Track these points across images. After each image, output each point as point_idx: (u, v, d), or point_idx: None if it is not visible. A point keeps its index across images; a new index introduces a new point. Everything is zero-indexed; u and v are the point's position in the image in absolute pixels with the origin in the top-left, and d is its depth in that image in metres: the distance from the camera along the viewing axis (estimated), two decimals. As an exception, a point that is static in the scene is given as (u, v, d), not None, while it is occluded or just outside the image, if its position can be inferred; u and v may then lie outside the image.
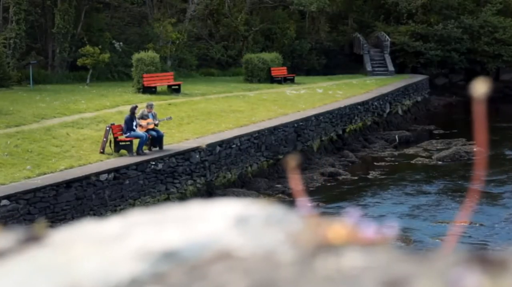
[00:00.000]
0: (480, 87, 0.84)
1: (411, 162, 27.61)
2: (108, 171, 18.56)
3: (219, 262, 0.61)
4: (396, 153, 29.44)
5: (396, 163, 27.50)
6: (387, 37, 49.01)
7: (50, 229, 0.78)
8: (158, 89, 32.21)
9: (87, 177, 17.86)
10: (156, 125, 21.47)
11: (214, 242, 0.65)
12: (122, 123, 21.08)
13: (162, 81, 32.85)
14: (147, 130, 21.09)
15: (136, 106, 21.62)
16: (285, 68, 40.99)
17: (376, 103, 35.23)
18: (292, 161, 0.90)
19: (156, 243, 0.64)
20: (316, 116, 28.84)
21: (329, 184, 24.01)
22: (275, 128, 26.00)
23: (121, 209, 18.44)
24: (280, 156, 25.81)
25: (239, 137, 23.94)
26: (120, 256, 0.63)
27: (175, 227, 0.68)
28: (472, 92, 0.83)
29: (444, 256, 0.60)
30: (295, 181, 0.85)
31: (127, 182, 19.01)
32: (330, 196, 22.35)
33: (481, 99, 0.81)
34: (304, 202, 0.80)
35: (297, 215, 0.74)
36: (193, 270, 0.60)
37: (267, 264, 0.60)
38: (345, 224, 0.71)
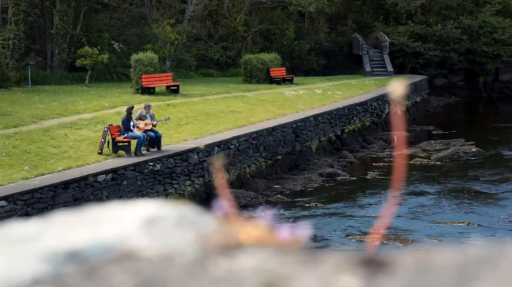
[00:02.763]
0: (396, 88, 0.83)
1: (410, 162, 27.60)
2: (106, 172, 18.56)
3: (117, 263, 0.61)
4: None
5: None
6: (386, 37, 49.01)
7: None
8: (157, 89, 32.22)
9: (85, 178, 17.86)
10: (154, 125, 21.47)
11: (119, 243, 0.65)
12: (120, 124, 21.08)
13: (160, 81, 32.86)
14: (145, 131, 21.09)
15: (133, 107, 21.61)
16: (284, 68, 41.00)
17: (375, 104, 35.24)
18: (216, 162, 0.90)
19: (62, 244, 0.64)
20: (315, 116, 28.84)
21: (327, 184, 24.00)
22: (274, 128, 25.99)
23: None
24: (279, 157, 25.82)
25: (237, 137, 23.95)
26: (26, 257, 0.63)
27: (85, 228, 0.68)
28: (390, 94, 0.83)
29: (331, 258, 0.61)
30: (220, 181, 0.85)
31: (125, 183, 19.01)
32: (329, 196, 22.35)
33: (399, 101, 0.81)
34: (224, 202, 0.80)
35: (211, 216, 0.74)
36: (90, 271, 0.60)
37: (163, 264, 0.61)
38: (258, 225, 0.71)
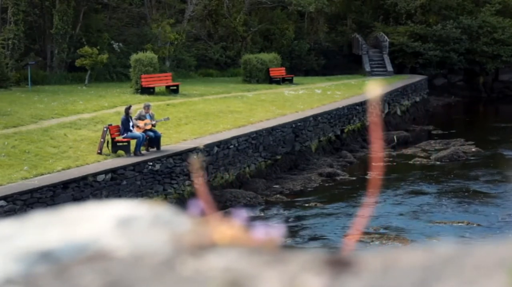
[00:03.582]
0: (373, 89, 0.82)
1: (409, 162, 27.62)
2: (106, 172, 18.56)
3: (88, 263, 0.61)
4: (394, 153, 29.43)
5: (395, 163, 27.49)
6: (386, 37, 49.00)
7: None
8: (156, 89, 32.22)
9: (84, 177, 17.86)
10: (153, 125, 21.48)
11: (92, 243, 0.65)
12: (120, 124, 21.08)
13: (160, 81, 32.87)
14: (145, 131, 21.09)
15: (130, 106, 21.61)
16: (284, 68, 40.99)
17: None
18: (195, 161, 0.91)
19: (36, 244, 0.64)
20: (315, 116, 28.83)
21: (327, 184, 24.00)
22: (273, 128, 26.00)
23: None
24: (278, 157, 25.82)
25: (237, 137, 23.95)
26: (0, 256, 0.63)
27: (60, 228, 0.68)
28: (367, 95, 0.82)
29: (298, 258, 0.61)
30: (199, 182, 0.85)
31: (124, 182, 19.01)
32: (328, 196, 22.35)
33: (376, 102, 0.81)
34: (201, 202, 0.80)
35: (186, 216, 0.74)
36: (61, 271, 0.61)
37: (133, 264, 0.61)
38: (233, 225, 0.71)
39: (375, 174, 0.92)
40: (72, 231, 0.68)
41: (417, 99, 42.51)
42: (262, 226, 0.71)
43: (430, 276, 0.56)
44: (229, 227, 0.70)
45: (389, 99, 37.49)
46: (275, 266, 0.60)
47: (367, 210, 0.82)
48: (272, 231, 0.70)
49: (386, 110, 36.65)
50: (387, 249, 0.63)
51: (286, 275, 0.58)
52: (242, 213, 0.75)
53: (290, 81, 39.62)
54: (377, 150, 0.84)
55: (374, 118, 0.88)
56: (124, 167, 19.14)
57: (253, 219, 20.23)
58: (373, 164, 1.03)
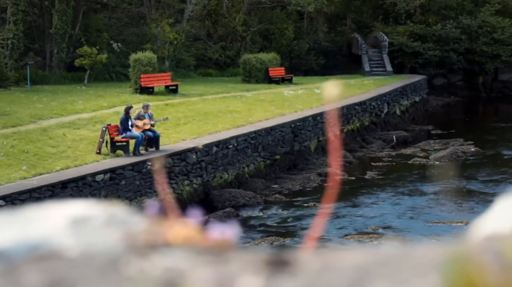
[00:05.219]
0: (330, 89, 0.80)
1: (409, 162, 27.61)
2: (104, 172, 18.56)
3: (37, 262, 0.62)
4: (393, 153, 29.44)
5: (394, 163, 27.50)
6: (385, 37, 49.00)
7: None
8: (156, 89, 32.21)
9: (83, 177, 17.86)
10: (152, 125, 21.48)
11: (44, 242, 0.65)
12: (119, 124, 21.08)
13: (159, 81, 32.86)
14: (144, 131, 21.09)
15: (131, 106, 21.61)
16: (283, 68, 40.99)
17: (374, 103, 35.24)
18: (157, 163, 0.90)
19: None
20: (314, 116, 28.83)
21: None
22: (272, 128, 26.00)
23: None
24: (277, 157, 25.81)
25: (236, 137, 23.95)
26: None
27: (13, 227, 0.68)
28: (324, 95, 0.81)
29: (240, 258, 0.62)
30: (160, 182, 0.85)
31: (123, 182, 19.00)
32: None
33: (333, 102, 0.79)
34: (160, 202, 0.80)
35: (142, 216, 0.74)
36: (7, 270, 0.61)
37: (79, 264, 0.61)
38: (188, 225, 0.71)
39: (331, 188, 0.92)
40: (25, 230, 0.68)
41: (417, 99, 42.52)
42: (218, 226, 0.71)
43: (365, 276, 0.57)
44: (183, 227, 0.70)
45: (389, 99, 37.49)
46: (216, 266, 0.60)
47: (322, 220, 0.81)
48: (227, 231, 0.70)
49: (386, 110, 36.66)
50: (328, 250, 0.64)
51: (223, 275, 0.58)
52: (197, 213, 0.75)
53: (290, 81, 39.61)
54: (335, 170, 0.84)
55: (333, 133, 0.87)
56: (123, 167, 19.14)
57: (252, 219, 20.24)
58: (330, 178, 1.04)
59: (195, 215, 0.75)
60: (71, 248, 0.65)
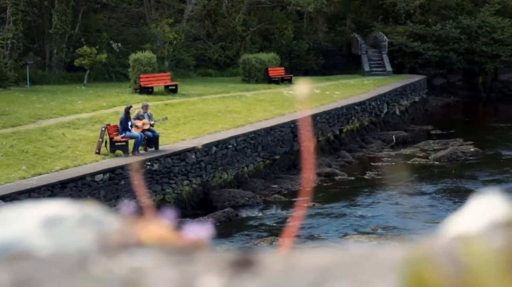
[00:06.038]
0: (301, 88, 0.80)
1: (408, 162, 27.61)
2: (104, 172, 18.56)
3: (6, 262, 0.62)
4: (393, 153, 29.44)
5: (393, 163, 27.50)
6: (385, 37, 48.99)
7: None
8: (155, 89, 32.20)
9: (82, 177, 17.86)
10: (151, 125, 21.47)
11: (16, 243, 0.65)
12: (118, 124, 21.08)
13: (159, 81, 32.85)
14: (143, 131, 21.09)
15: (131, 106, 21.61)
16: (283, 68, 40.98)
17: (373, 103, 35.24)
18: (135, 165, 0.90)
19: None
20: (313, 116, 28.81)
21: (325, 184, 24.00)
22: (272, 128, 26.00)
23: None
24: (277, 157, 25.81)
25: (235, 137, 23.95)
26: None
27: None
28: (296, 95, 0.80)
29: (205, 258, 0.62)
30: (138, 184, 0.85)
31: (122, 182, 19.00)
32: (327, 196, 22.34)
33: (303, 101, 0.79)
34: (136, 202, 0.79)
35: (116, 215, 0.74)
36: None
37: (48, 264, 0.62)
38: (163, 225, 0.71)
39: (303, 199, 0.93)
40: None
41: (416, 99, 42.52)
42: (191, 226, 0.71)
43: (327, 277, 0.57)
44: (157, 227, 0.70)
45: (388, 99, 37.49)
46: (180, 266, 0.60)
47: (299, 215, 0.81)
48: (201, 231, 0.70)
49: (385, 110, 36.66)
50: (293, 250, 0.64)
51: (185, 275, 0.59)
52: (172, 213, 0.75)
53: (289, 81, 39.60)
54: (308, 181, 0.84)
55: (306, 142, 0.86)
56: (122, 167, 19.13)
57: (251, 219, 20.23)
58: (303, 189, 1.04)
59: (170, 216, 0.75)
60: (43, 248, 0.65)
